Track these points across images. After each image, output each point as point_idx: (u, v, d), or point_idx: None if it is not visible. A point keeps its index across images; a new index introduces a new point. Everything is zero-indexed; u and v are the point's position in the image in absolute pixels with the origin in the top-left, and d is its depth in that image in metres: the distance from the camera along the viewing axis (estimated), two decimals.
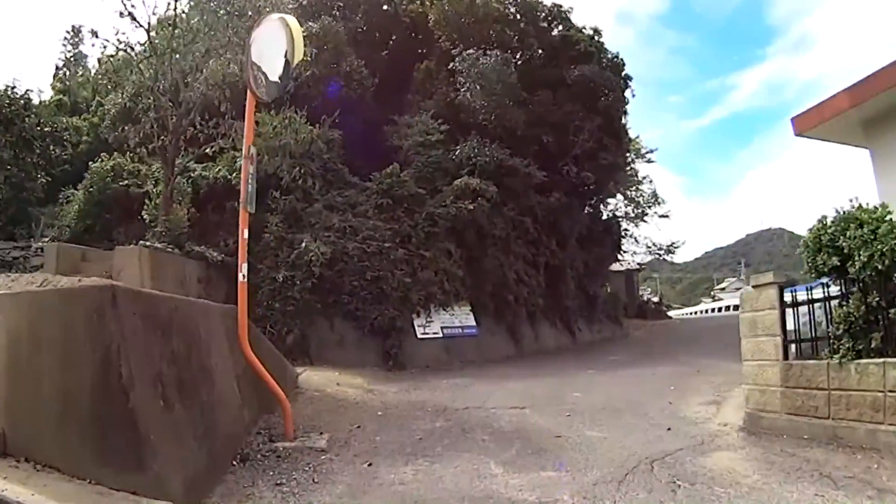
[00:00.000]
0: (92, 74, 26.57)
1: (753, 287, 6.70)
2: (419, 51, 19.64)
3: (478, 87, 17.03)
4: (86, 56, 32.20)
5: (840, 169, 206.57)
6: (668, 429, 6.62)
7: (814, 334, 6.09)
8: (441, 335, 15.36)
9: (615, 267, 29.65)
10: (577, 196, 19.47)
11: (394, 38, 20.15)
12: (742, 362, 6.65)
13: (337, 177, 15.41)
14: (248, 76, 6.27)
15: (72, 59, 32.19)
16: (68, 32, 32.15)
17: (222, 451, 4.90)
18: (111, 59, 14.76)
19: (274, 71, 6.17)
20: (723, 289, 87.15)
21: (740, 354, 6.70)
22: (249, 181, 6.05)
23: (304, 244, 12.69)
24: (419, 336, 14.69)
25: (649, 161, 32.29)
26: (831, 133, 8.21)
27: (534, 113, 18.38)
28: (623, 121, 19.86)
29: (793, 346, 6.28)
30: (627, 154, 19.82)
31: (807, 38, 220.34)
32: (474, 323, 16.49)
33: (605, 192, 21.91)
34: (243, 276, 5.97)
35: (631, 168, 30.91)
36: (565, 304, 19.72)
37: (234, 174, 13.40)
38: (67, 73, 31.07)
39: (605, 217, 25.43)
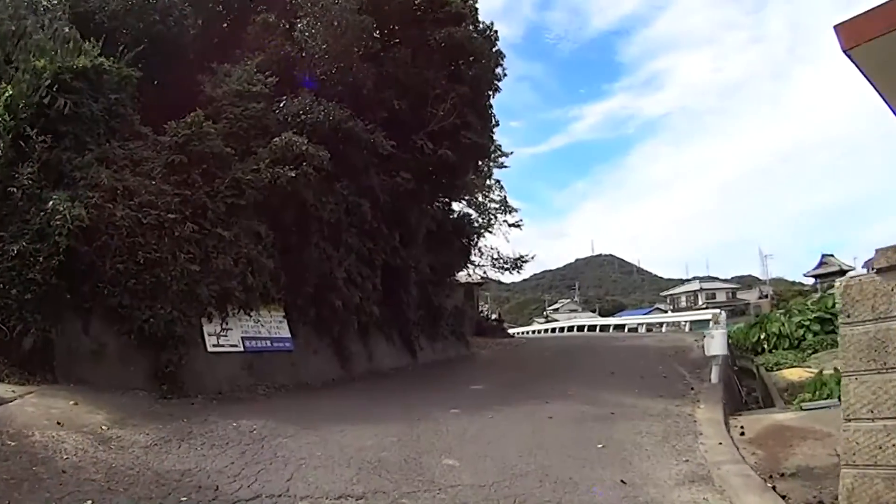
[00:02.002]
0: None
1: (879, 272, 4.32)
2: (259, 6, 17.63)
3: (319, 26, 15.38)
4: None
5: (672, 202, 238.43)
6: None
7: None
8: (242, 349, 13.28)
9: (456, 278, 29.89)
10: (429, 182, 18.56)
11: None
12: (843, 419, 4.47)
13: (124, 124, 12.75)
14: None
15: None
16: None
17: None
18: None
19: None
20: (556, 309, 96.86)
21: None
22: None
23: (51, 204, 10.01)
24: (211, 349, 12.43)
25: (502, 166, 33.64)
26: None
27: (387, 73, 17.11)
28: (491, 99, 19.48)
29: None
30: (492, 136, 19.41)
31: (657, 78, 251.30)
32: (289, 334, 14.63)
33: (463, 184, 21.31)
34: None
35: (487, 167, 31.79)
36: (406, 315, 18.64)
37: None
38: None
39: (455, 216, 25.02)
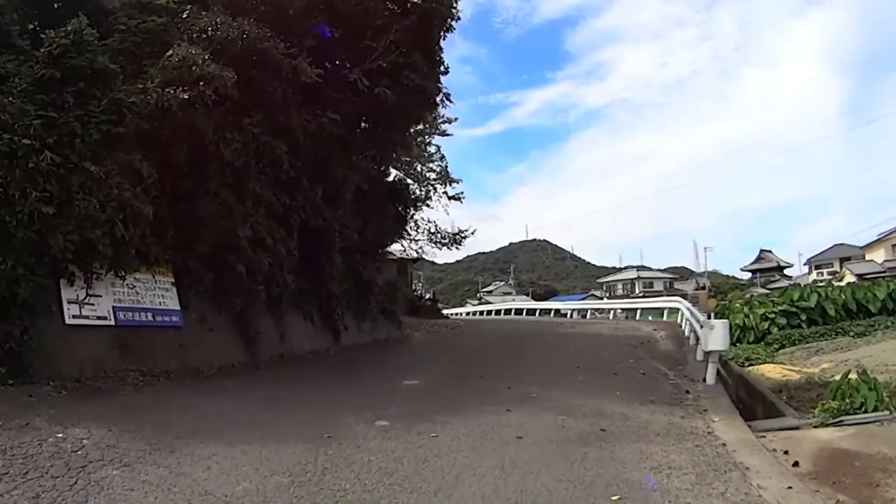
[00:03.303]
0: None
1: None
2: None
3: None
4: None
5: (608, 192, 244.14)
6: None
7: None
8: (113, 322, 10.82)
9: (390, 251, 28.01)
10: (362, 129, 16.13)
11: None
12: None
13: None
14: None
15: None
16: None
17: None
18: None
19: None
20: (489, 291, 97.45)
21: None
22: None
23: None
24: (70, 320, 10.01)
25: (444, 134, 31.92)
26: None
27: None
28: (442, 40, 17.01)
29: None
30: (440, 83, 17.02)
31: (601, 68, 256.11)
32: (177, 306, 12.13)
33: (402, 139, 18.80)
34: None
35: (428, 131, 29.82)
36: (329, 288, 16.26)
37: None
38: None
39: (392, 179, 22.70)
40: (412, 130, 21.43)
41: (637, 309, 31.66)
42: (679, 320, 23.71)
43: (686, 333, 18.89)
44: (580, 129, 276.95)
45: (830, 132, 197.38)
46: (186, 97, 10.69)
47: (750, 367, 19.55)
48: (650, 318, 29.55)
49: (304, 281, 15.57)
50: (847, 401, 9.88)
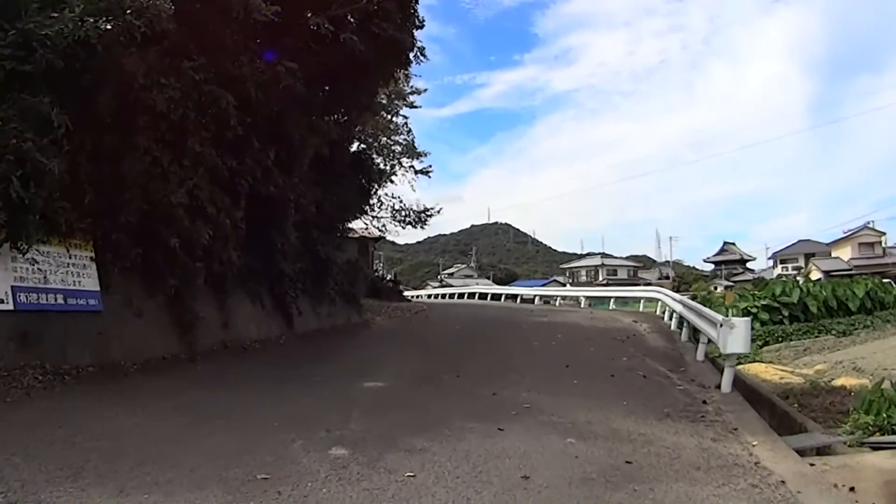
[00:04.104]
0: None
1: None
2: None
3: None
4: None
5: (570, 177, 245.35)
6: None
7: None
8: (11, 305, 8.99)
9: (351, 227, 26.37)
10: (325, 84, 14.25)
11: None
12: None
13: None
14: None
15: None
16: None
17: None
18: None
19: None
20: (451, 274, 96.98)
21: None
22: None
23: None
24: None
25: (412, 105, 30.68)
26: None
27: None
28: None
29: None
30: (414, 37, 15.18)
31: (569, 53, 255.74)
32: (96, 286, 10.28)
33: (369, 102, 16.92)
34: None
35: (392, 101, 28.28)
36: (280, 267, 14.46)
37: None
38: None
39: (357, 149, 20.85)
40: (381, 96, 19.59)
41: (610, 297, 30.51)
42: (658, 311, 22.76)
43: (672, 327, 17.85)
44: (546, 113, 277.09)
45: (795, 129, 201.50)
46: (110, 27, 8.81)
47: (739, 366, 18.50)
48: (623, 307, 28.51)
49: (253, 258, 13.78)
50: (884, 416, 8.67)
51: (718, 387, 10.05)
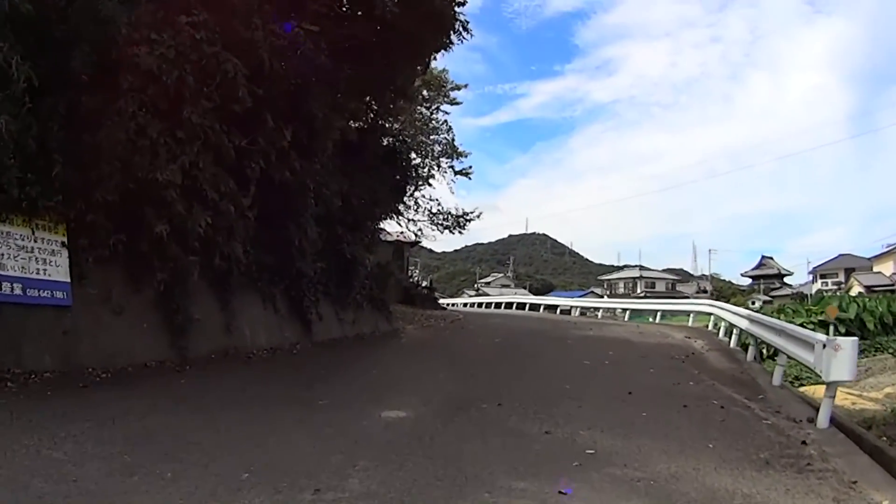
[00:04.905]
0: None
1: None
2: None
3: None
4: None
5: (609, 189, 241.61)
6: None
7: None
8: None
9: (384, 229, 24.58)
10: (353, 58, 12.32)
11: None
12: None
13: None
14: None
15: None
16: None
17: None
18: None
19: None
20: (487, 283, 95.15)
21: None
22: None
23: None
24: None
25: (454, 102, 28.86)
26: None
27: None
28: None
29: None
30: (455, 11, 13.05)
31: (609, 64, 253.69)
32: (66, 276, 8.51)
33: (407, 83, 14.85)
34: None
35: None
36: (297, 265, 12.56)
37: None
38: None
39: (389, 142, 18.91)
40: (418, 82, 17.56)
41: (657, 311, 27.97)
42: (711, 326, 20.42)
43: (732, 345, 15.54)
44: (586, 123, 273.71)
45: (834, 139, 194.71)
46: None
47: (801, 388, 16.05)
48: (666, 321, 26.09)
49: (266, 254, 11.94)
50: None
51: (811, 420, 7.86)
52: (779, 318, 25.13)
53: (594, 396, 8.98)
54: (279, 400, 7.75)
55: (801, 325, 23.92)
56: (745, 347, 16.04)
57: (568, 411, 7.67)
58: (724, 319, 18.39)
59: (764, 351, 15.69)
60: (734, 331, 15.99)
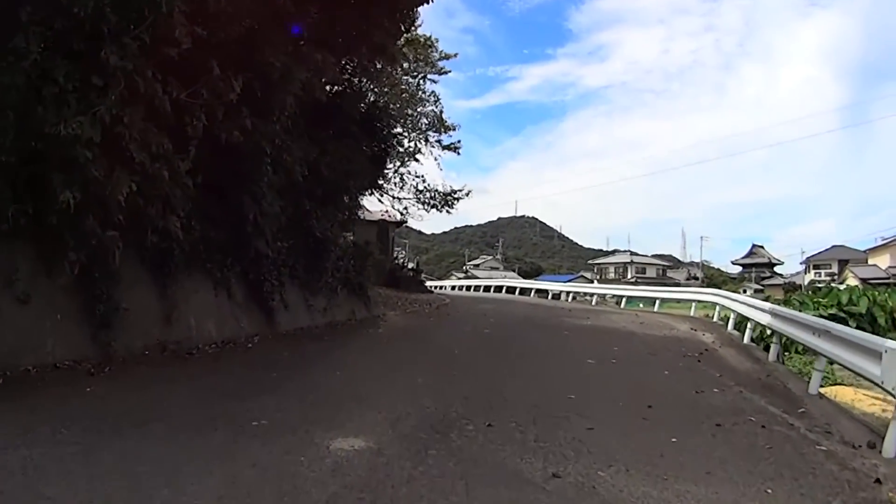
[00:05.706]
0: None
1: None
2: None
3: None
4: None
5: (598, 173, 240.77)
6: None
7: None
8: None
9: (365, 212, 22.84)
10: (319, 2, 10.43)
11: None
12: None
13: None
14: None
15: None
16: None
17: None
18: None
19: None
20: (476, 265, 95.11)
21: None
22: None
23: None
24: None
25: (442, 71, 27.41)
26: None
27: None
28: None
29: None
30: None
31: (602, 49, 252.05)
32: None
33: (384, 40, 12.80)
34: None
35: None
36: (253, 243, 10.77)
37: None
38: None
39: (366, 106, 17.02)
40: (401, 40, 15.64)
41: (655, 299, 26.32)
42: (717, 318, 18.90)
43: (746, 340, 14.11)
44: (577, 108, 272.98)
45: (825, 130, 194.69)
46: None
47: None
48: (663, 309, 24.60)
49: (216, 231, 10.15)
50: None
51: (872, 446, 6.26)
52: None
53: (606, 412, 7.24)
54: (200, 419, 5.79)
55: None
56: (757, 341, 14.57)
57: (577, 436, 5.93)
58: (732, 311, 16.95)
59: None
60: (748, 324, 14.48)
